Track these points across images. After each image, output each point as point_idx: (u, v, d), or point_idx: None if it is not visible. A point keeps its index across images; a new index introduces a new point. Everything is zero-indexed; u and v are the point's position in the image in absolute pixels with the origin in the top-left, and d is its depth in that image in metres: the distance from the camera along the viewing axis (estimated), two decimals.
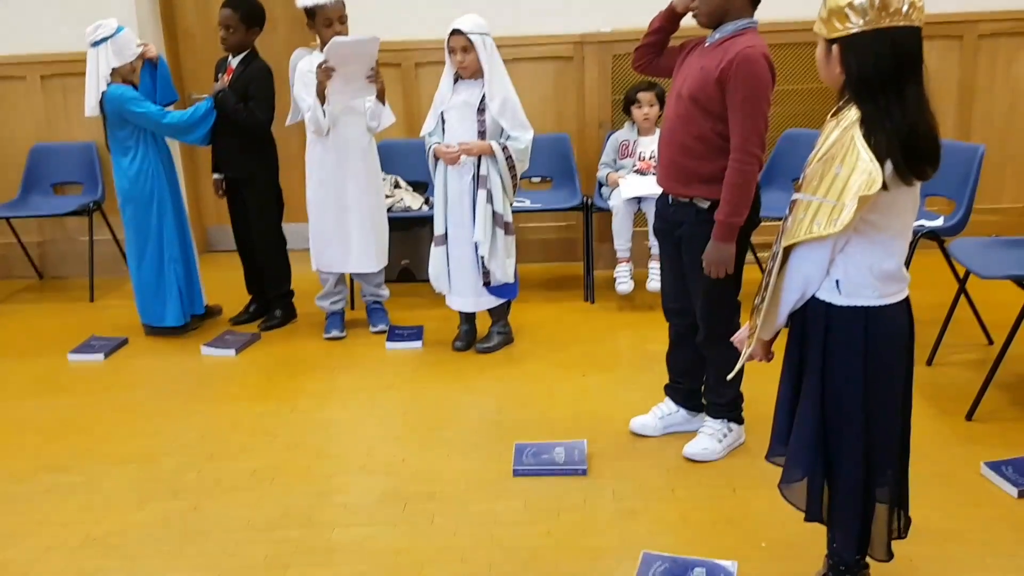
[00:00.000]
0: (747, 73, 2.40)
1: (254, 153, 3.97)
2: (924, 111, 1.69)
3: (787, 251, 1.82)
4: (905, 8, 1.65)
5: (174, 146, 4.27)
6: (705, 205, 2.57)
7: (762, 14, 2.54)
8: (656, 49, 2.72)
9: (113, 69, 3.77)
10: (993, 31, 4.57)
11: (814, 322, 1.86)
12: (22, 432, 3.19)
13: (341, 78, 3.57)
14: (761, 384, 2.30)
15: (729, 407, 2.80)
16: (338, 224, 3.84)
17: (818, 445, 1.88)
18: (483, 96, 3.44)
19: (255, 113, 3.86)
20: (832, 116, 1.80)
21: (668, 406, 2.96)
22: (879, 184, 1.63)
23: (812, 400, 1.87)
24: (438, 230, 3.63)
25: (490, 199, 3.50)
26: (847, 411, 1.84)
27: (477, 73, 3.45)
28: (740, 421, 2.83)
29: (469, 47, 3.38)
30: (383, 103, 3.75)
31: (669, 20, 2.66)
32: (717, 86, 2.45)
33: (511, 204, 3.62)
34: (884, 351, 1.81)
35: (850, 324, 1.80)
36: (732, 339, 2.07)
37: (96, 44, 3.75)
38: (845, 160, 1.67)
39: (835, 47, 1.72)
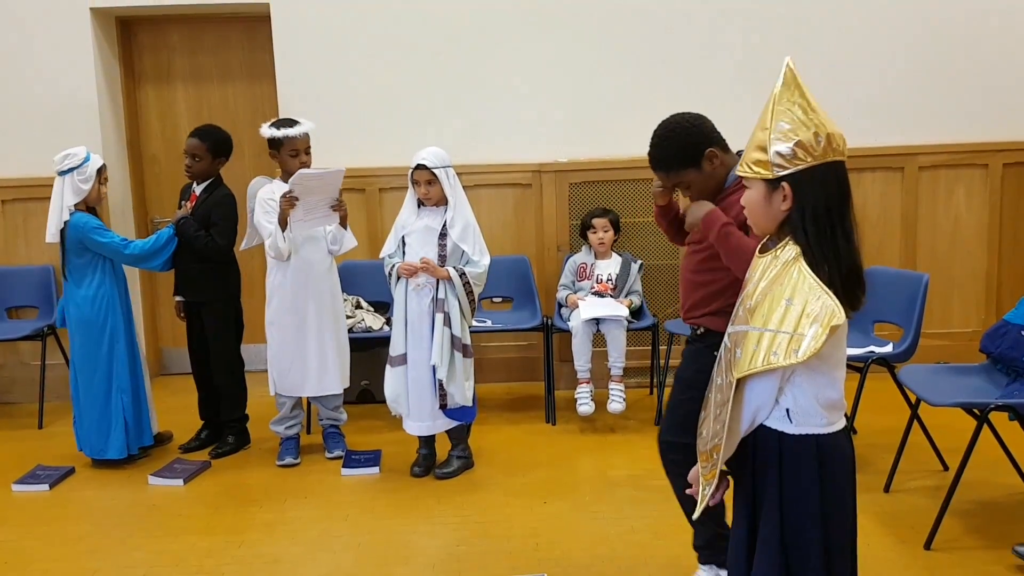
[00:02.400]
0: None
1: (216, 277, 3.97)
2: (857, 243, 1.78)
3: (739, 383, 1.83)
4: (842, 146, 1.77)
5: (132, 268, 4.24)
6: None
7: None
8: (674, 227, 2.73)
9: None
10: (932, 163, 4.81)
11: (766, 452, 1.85)
12: None
13: (303, 207, 3.66)
14: None
15: (716, 550, 2.56)
16: (299, 347, 3.82)
17: None
18: (445, 222, 3.53)
19: (215, 239, 3.88)
20: (762, 253, 1.86)
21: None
22: (842, 313, 1.67)
23: (772, 537, 1.84)
24: (396, 350, 3.62)
25: (448, 322, 3.52)
26: (810, 539, 1.81)
27: (441, 201, 3.55)
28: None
29: (433, 180, 3.49)
30: (345, 228, 3.83)
31: (664, 212, 2.70)
32: None
33: (470, 326, 3.65)
34: (837, 479, 1.82)
35: (802, 453, 1.81)
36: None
37: (63, 173, 3.75)
38: (796, 293, 1.71)
39: (784, 184, 1.78)
